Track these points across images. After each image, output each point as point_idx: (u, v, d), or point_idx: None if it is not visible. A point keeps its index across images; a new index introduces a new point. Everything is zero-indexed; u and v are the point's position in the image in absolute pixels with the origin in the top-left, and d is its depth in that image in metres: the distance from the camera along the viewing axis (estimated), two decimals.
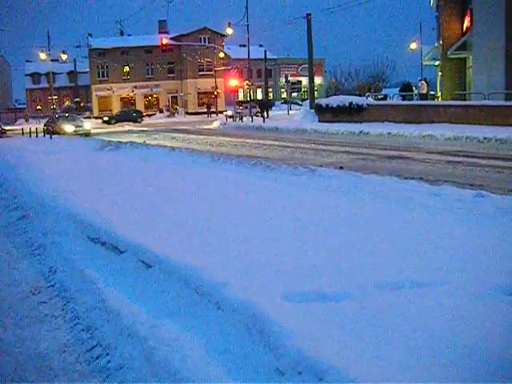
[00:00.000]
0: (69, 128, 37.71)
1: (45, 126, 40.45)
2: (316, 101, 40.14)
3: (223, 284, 4.72)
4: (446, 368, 3.34)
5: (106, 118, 62.18)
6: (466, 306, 4.26)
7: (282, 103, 73.12)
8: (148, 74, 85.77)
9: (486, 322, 3.98)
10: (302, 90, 74.25)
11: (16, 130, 46.46)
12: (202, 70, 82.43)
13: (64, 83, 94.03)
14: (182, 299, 4.96)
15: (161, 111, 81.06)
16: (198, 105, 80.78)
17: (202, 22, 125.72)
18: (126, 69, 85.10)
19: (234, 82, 49.29)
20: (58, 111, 73.73)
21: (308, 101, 50.67)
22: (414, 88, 42.15)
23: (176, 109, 79.76)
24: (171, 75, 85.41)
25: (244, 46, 63.26)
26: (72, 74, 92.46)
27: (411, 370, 3.30)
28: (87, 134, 37.48)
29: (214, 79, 72.45)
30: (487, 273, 5.01)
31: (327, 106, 34.53)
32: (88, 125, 40.91)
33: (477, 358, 3.45)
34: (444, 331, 3.83)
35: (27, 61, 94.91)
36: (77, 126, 38.68)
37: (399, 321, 4.02)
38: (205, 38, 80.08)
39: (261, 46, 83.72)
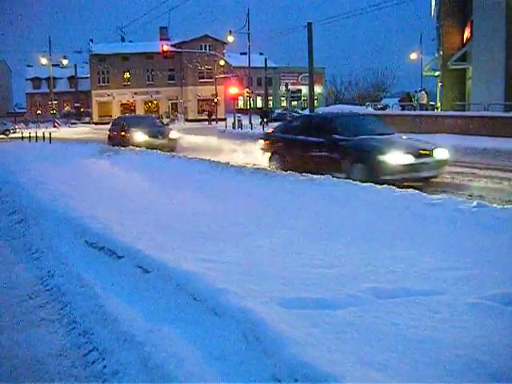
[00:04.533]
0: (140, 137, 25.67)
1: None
2: (316, 110, 40.26)
3: (221, 290, 4.71)
4: (446, 376, 3.35)
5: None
6: (463, 316, 4.27)
7: (281, 111, 73.32)
8: (148, 81, 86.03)
9: (484, 333, 3.98)
10: (302, 98, 74.45)
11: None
12: (203, 78, 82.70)
13: (64, 88, 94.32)
14: (180, 305, 4.95)
15: (160, 117, 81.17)
16: (198, 112, 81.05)
17: (203, 29, 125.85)
18: (127, 75, 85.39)
19: (234, 90, 49.38)
20: (58, 116, 73.89)
21: (308, 109, 50.79)
22: (412, 98, 42.25)
23: (176, 115, 79.77)
24: (172, 82, 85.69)
25: (245, 54, 63.38)
26: (72, 80, 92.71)
27: (409, 378, 3.30)
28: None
29: (214, 87, 72.64)
30: (484, 282, 5.01)
31: None
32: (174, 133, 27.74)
33: (474, 368, 3.45)
34: (442, 341, 3.83)
35: (28, 65, 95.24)
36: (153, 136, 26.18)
37: (397, 329, 4.03)
38: (206, 46, 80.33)
39: (261, 54, 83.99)
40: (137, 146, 22.82)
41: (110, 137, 29.26)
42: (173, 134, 27.11)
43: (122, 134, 27.09)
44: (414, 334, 3.95)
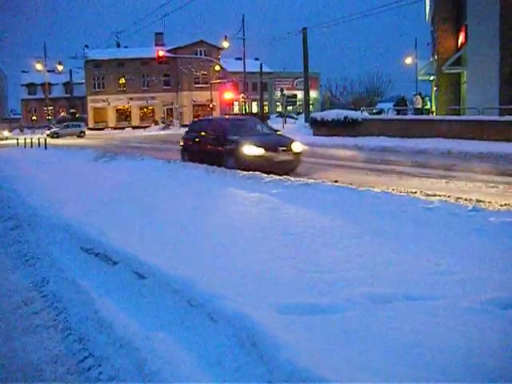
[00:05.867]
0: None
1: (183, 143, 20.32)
2: (311, 114, 40.30)
3: (216, 296, 4.71)
4: (443, 379, 3.34)
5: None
6: (460, 321, 4.26)
7: (276, 116, 73.33)
8: (144, 86, 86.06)
9: (481, 337, 3.98)
10: (298, 103, 74.49)
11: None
12: (198, 83, 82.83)
13: (60, 94, 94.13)
14: (175, 311, 4.94)
15: (156, 123, 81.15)
16: (194, 117, 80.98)
17: (198, 35, 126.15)
18: (122, 80, 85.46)
19: (229, 95, 49.49)
20: (53, 122, 73.66)
21: (303, 114, 50.82)
22: (407, 103, 42.38)
23: (171, 121, 79.82)
24: (167, 87, 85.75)
25: (240, 59, 63.55)
26: (68, 85, 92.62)
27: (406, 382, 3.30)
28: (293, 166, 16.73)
29: (209, 92, 72.69)
30: (480, 287, 5.01)
31: (322, 119, 34.66)
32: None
33: (471, 372, 3.45)
34: (439, 345, 3.82)
35: (23, 71, 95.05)
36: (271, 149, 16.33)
37: (392, 334, 4.02)
38: (201, 51, 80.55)
39: (257, 59, 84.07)
40: (244, 166, 15.11)
41: (185, 148, 20.02)
42: (297, 146, 16.89)
43: (216, 145, 17.53)
44: (411, 338, 3.94)
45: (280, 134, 19.08)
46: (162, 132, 66.10)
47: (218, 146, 17.30)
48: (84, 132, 64.29)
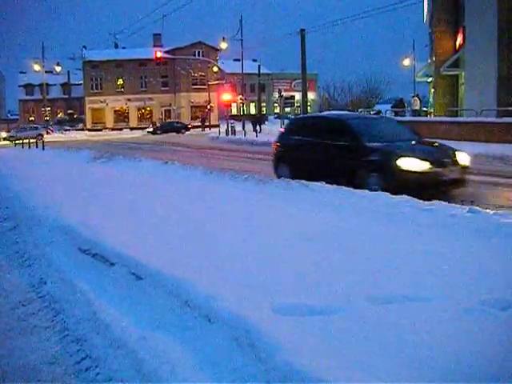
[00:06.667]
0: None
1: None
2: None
3: (213, 297, 4.70)
4: (442, 381, 3.34)
5: (150, 129, 67.24)
6: (459, 322, 4.26)
7: (275, 118, 73.30)
8: (142, 87, 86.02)
9: (480, 337, 3.98)
10: (296, 105, 74.60)
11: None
12: (196, 84, 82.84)
13: (57, 95, 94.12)
14: (173, 312, 4.94)
15: (154, 124, 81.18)
16: (192, 118, 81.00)
17: (196, 36, 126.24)
18: (120, 81, 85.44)
19: (227, 97, 49.36)
20: (51, 123, 73.51)
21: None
22: (405, 104, 42.44)
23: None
24: (165, 88, 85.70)
25: (238, 60, 63.59)
26: (66, 86, 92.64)
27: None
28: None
29: (207, 93, 72.68)
30: (479, 288, 5.01)
31: None
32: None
33: (471, 373, 3.45)
34: (438, 345, 3.82)
35: (21, 72, 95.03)
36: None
37: (390, 335, 4.01)
38: (199, 52, 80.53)
39: (255, 60, 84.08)
40: (399, 186, 10.57)
41: (282, 158, 14.81)
42: (464, 158, 12.48)
43: (343, 156, 12.45)
44: (410, 338, 3.93)
45: (433, 142, 14.06)
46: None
47: (348, 158, 12.28)
48: (42, 135, 62.94)
